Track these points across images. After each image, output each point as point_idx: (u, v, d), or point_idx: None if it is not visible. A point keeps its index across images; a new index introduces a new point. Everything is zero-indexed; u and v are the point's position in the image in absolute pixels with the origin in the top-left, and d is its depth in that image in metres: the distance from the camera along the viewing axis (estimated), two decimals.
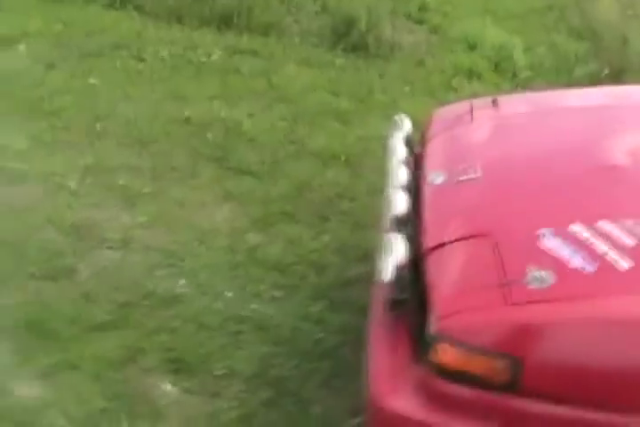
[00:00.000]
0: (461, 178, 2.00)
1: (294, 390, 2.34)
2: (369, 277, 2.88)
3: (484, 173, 1.99)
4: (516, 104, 2.54)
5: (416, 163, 2.27)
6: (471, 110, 2.42)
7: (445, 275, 1.71)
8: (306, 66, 4.75)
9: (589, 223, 1.68)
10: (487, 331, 1.56)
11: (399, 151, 2.25)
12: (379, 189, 3.48)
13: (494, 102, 2.41)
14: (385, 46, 5.10)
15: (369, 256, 3.03)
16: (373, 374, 1.70)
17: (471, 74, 5.12)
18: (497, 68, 5.24)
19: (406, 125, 2.43)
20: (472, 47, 5.44)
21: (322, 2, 5.36)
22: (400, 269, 1.75)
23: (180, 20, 5.14)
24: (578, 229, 1.68)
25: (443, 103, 2.75)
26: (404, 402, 1.61)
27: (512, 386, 1.52)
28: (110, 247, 2.94)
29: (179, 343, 2.46)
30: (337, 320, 2.67)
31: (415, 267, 1.80)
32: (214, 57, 4.69)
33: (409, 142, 2.36)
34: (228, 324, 2.58)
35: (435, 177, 2.05)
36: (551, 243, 1.65)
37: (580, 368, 1.51)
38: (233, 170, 3.54)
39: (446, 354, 1.56)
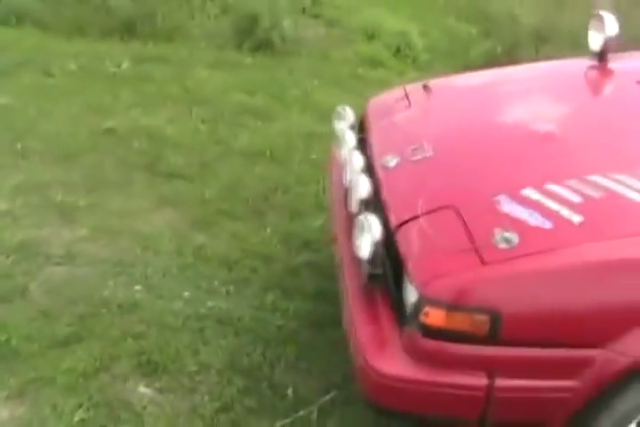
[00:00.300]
0: (414, 158, 2.16)
1: (266, 376, 2.45)
2: (315, 264, 3.07)
3: (434, 152, 2.15)
4: (446, 87, 2.71)
5: (362, 149, 2.41)
6: (406, 96, 2.59)
7: (419, 246, 1.85)
8: (216, 68, 4.84)
9: (538, 186, 1.87)
10: (467, 290, 1.71)
11: (349, 139, 2.40)
12: (308, 180, 3.68)
13: (426, 87, 2.59)
14: (289, 42, 5.25)
15: (311, 243, 3.20)
16: (362, 344, 1.83)
17: (374, 62, 5.34)
18: (397, 54, 5.49)
19: (349, 115, 2.57)
20: (371, 37, 5.67)
21: (221, 3, 5.45)
22: (376, 246, 1.90)
23: (81, 32, 5.12)
24: (529, 192, 1.86)
25: (374, 94, 2.89)
26: (395, 364, 1.76)
27: (493, 337, 1.69)
28: (58, 263, 2.95)
29: (146, 347, 2.52)
30: (292, 307, 2.79)
31: (385, 243, 1.94)
32: (124, 66, 4.70)
33: (353, 130, 2.51)
34: (189, 322, 2.66)
35: (389, 160, 2.20)
36: (508, 207, 1.83)
37: (551, 313, 1.70)
38: (164, 175, 3.60)
39: (432, 316, 1.71)
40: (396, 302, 1.87)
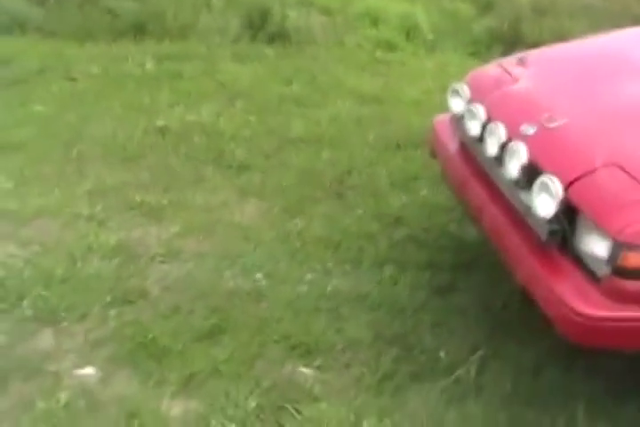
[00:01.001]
0: (552, 125, 2.23)
1: (414, 344, 2.52)
2: (415, 237, 3.14)
3: (568, 118, 2.24)
4: (541, 58, 2.80)
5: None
6: (506, 70, 2.68)
7: (602, 200, 1.95)
8: (241, 61, 4.86)
9: None
10: None
11: (479, 113, 2.47)
12: (374, 162, 3.74)
13: (522, 60, 2.69)
14: (301, 32, 5.29)
15: (402, 219, 3.27)
16: (564, 295, 1.91)
17: (389, 45, 5.44)
18: (408, 36, 5.59)
19: (467, 92, 2.65)
20: (375, 21, 5.75)
21: None
22: (559, 204, 1.99)
23: (91, 36, 5.07)
24: None
25: (474, 68, 2.97)
26: (601, 307, 1.86)
27: None
28: (163, 262, 2.95)
29: (290, 330, 2.55)
30: (410, 278, 2.86)
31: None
32: (148, 66, 4.69)
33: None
34: (321, 303, 2.70)
35: (526, 129, 2.28)
36: None
37: None
38: (235, 168, 3.61)
39: (630, 259, 1.82)
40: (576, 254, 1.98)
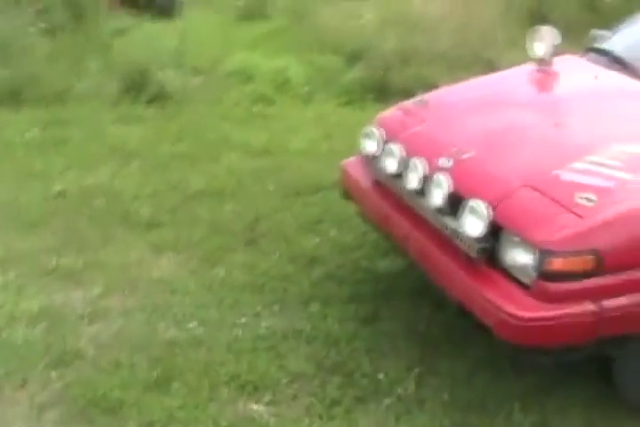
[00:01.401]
0: (464, 157, 2.59)
1: (354, 369, 2.72)
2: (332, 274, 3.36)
3: (476, 150, 2.61)
4: (438, 99, 3.17)
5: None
6: (410, 112, 3.04)
7: (525, 217, 2.30)
8: (125, 123, 4.99)
9: (581, 160, 2.41)
10: (576, 240, 2.20)
11: (396, 150, 2.77)
12: (279, 208, 3.95)
13: (422, 102, 3.04)
14: (179, 92, 5.49)
15: (317, 259, 3.49)
16: (497, 302, 2.22)
17: (264, 100, 5.74)
18: (283, 90, 5.93)
19: (379, 133, 2.96)
20: (249, 78, 6.06)
21: (103, 61, 5.57)
22: (486, 225, 2.31)
23: None
24: (579, 165, 2.40)
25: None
26: (532, 309, 2.18)
27: (598, 270, 2.18)
28: (92, 321, 2.99)
29: (235, 371, 2.68)
30: (336, 312, 3.06)
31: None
32: (32, 133, 4.71)
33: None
34: (259, 343, 2.86)
35: (443, 162, 2.62)
36: (570, 177, 2.35)
37: (634, 243, 2.22)
38: (143, 226, 3.72)
39: (554, 264, 2.17)
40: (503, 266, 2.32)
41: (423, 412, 2.53)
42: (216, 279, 3.28)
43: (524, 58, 6.89)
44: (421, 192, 2.63)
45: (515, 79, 3.33)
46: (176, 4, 7.97)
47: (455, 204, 2.46)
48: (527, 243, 2.23)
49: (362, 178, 3.06)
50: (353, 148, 4.66)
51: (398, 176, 2.77)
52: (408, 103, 3.20)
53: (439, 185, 2.52)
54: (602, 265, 2.18)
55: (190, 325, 2.97)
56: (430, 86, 6.11)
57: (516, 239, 2.28)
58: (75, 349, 2.81)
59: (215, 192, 4.09)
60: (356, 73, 6.21)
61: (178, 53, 5.79)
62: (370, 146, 3.00)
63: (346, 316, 3.06)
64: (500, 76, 3.45)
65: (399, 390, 2.62)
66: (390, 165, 2.80)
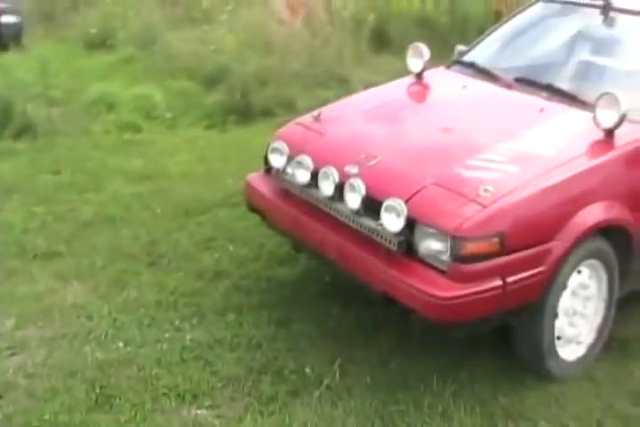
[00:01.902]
0: (372, 163, 2.94)
1: (282, 367, 2.98)
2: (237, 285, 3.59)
3: (381, 156, 2.97)
4: (331, 113, 3.47)
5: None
6: (309, 127, 3.36)
7: (436, 210, 2.68)
8: None
9: (474, 158, 2.86)
10: (483, 226, 2.59)
11: (306, 162, 3.07)
12: (172, 229, 4.12)
13: (317, 117, 3.38)
14: (46, 124, 5.50)
15: (221, 273, 3.71)
16: (421, 285, 2.59)
17: (132, 127, 5.87)
18: (148, 117, 6.08)
19: (285, 148, 3.26)
20: (112, 106, 6.16)
21: None
22: (403, 220, 2.67)
23: None
24: (472, 162, 2.83)
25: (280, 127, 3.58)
26: (452, 289, 2.56)
27: (502, 251, 2.60)
28: (14, 353, 3.05)
29: (173, 381, 2.87)
30: (251, 319, 3.30)
31: None
32: None
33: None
34: (186, 354, 3.05)
35: (350, 169, 2.94)
36: (468, 173, 2.77)
37: (529, 225, 2.67)
38: (43, 257, 3.78)
39: (466, 248, 2.56)
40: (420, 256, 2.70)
41: (353, 397, 2.83)
42: (128, 301, 3.43)
43: (374, 73, 7.50)
44: (336, 198, 2.94)
45: (397, 91, 3.74)
46: (18, 35, 7.89)
47: (369, 205, 2.80)
48: (441, 232, 2.61)
49: (269, 190, 3.33)
50: (228, 168, 5.05)
51: (310, 186, 3.08)
52: (303, 119, 3.52)
53: (354, 190, 2.84)
54: (505, 246, 2.60)
55: (115, 346, 3.10)
56: (290, 105, 6.57)
57: (431, 231, 2.65)
58: (3, 382, 2.87)
59: (106, 219, 4.21)
60: (215, 96, 6.46)
61: (38, 85, 5.78)
62: (277, 160, 3.27)
63: (261, 322, 3.31)
64: (383, 89, 3.84)
65: (326, 381, 2.91)
66: (301, 176, 3.10)
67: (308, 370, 2.98)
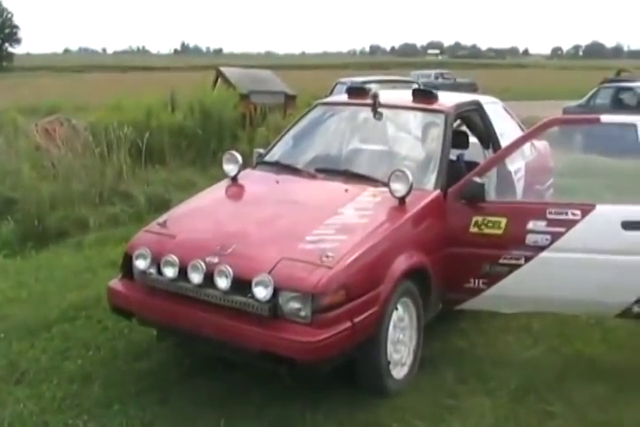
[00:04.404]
0: (228, 251, 3.78)
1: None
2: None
3: (236, 244, 3.82)
4: (175, 217, 4.30)
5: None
6: (159, 232, 4.16)
7: (293, 275, 3.57)
8: None
9: (308, 234, 3.82)
10: (333, 282, 3.53)
11: (175, 260, 3.87)
12: (72, 317, 4.52)
13: (163, 223, 4.20)
14: None
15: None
16: (293, 339, 3.46)
17: None
18: None
19: (149, 252, 3.97)
20: None
21: None
22: (270, 290, 3.53)
23: None
24: (310, 238, 3.80)
25: None
26: (319, 335, 3.45)
27: (348, 300, 3.56)
28: None
29: None
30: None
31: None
32: None
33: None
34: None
35: (212, 259, 3.76)
36: (311, 246, 3.72)
37: (364, 276, 3.66)
38: None
39: (323, 301, 3.48)
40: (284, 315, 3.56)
41: None
42: (15, 414, 3.81)
43: (151, 185, 8.32)
44: (205, 285, 3.70)
45: (224, 191, 4.66)
46: None
47: (236, 284, 3.62)
48: (302, 293, 3.50)
49: (134, 291, 4.00)
50: (49, 288, 5.52)
51: (177, 279, 3.80)
52: (150, 227, 4.25)
53: (224, 274, 3.63)
54: (349, 295, 3.55)
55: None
56: (83, 225, 7.15)
57: (293, 294, 3.52)
58: None
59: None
60: (10, 225, 6.86)
61: None
62: (141, 263, 3.95)
63: (144, 405, 3.89)
64: (209, 192, 4.71)
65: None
66: (169, 272, 3.82)
67: None
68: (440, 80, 31.74)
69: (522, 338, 4.72)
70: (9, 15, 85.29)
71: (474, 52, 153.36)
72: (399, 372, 3.99)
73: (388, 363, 3.87)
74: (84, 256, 6.45)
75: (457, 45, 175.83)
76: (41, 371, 4.27)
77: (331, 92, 14.56)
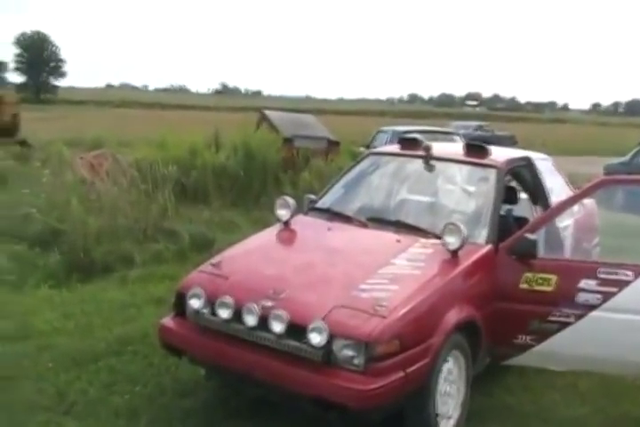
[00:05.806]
0: (282, 296, 3.91)
1: None
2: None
3: (289, 290, 3.95)
4: (228, 259, 4.43)
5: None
6: (213, 273, 4.28)
7: (349, 324, 3.67)
8: None
9: (363, 282, 3.95)
10: (388, 332, 3.63)
11: (230, 302, 3.99)
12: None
13: (217, 264, 4.34)
14: None
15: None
16: (347, 386, 3.56)
17: None
18: None
19: (203, 293, 4.12)
20: None
21: None
22: (326, 337, 3.66)
23: None
24: (364, 286, 3.91)
25: None
26: (372, 384, 3.55)
27: (401, 350, 3.66)
28: None
29: None
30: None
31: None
32: None
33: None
34: None
35: (265, 303, 3.90)
36: (364, 295, 3.82)
37: (418, 329, 3.76)
38: None
39: (377, 350, 3.58)
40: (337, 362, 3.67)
41: None
42: None
43: (193, 224, 8.52)
44: (259, 328, 3.81)
45: (276, 236, 4.80)
46: None
47: (291, 329, 3.73)
48: (356, 341, 3.60)
49: (186, 330, 4.12)
50: (95, 321, 5.66)
51: (231, 320, 3.92)
52: (204, 267, 4.39)
53: (279, 319, 3.75)
54: (402, 345, 3.65)
55: None
56: (128, 260, 7.32)
57: (347, 342, 3.62)
58: None
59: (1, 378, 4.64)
60: (55, 256, 7.06)
61: None
62: (196, 303, 4.08)
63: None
64: (261, 236, 4.85)
65: None
66: (224, 313, 3.94)
67: None
68: (479, 132, 31.91)
69: (568, 396, 4.76)
70: (55, 49, 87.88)
71: (512, 104, 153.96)
72: (446, 424, 4.05)
73: (437, 415, 3.93)
74: (129, 291, 6.61)
75: (495, 97, 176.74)
76: (88, 404, 4.39)
77: (372, 141, 14.84)
